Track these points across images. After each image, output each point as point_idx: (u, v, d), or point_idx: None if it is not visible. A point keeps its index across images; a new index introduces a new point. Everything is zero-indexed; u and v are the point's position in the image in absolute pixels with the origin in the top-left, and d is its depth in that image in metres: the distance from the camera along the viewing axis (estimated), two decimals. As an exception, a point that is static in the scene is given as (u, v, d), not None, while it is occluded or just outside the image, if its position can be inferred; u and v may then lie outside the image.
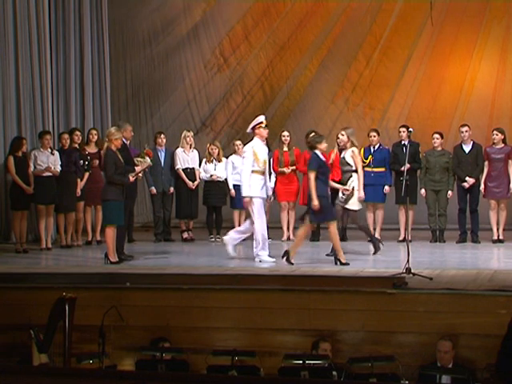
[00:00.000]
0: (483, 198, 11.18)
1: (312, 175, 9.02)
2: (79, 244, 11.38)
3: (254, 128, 9.69)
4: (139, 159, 9.96)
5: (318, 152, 9.17)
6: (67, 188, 11.09)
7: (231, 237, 9.88)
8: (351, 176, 10.00)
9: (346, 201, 9.91)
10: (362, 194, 10.08)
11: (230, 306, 7.59)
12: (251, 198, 9.52)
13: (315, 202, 8.94)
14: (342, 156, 10.19)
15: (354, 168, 10.03)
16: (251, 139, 9.85)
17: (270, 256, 9.49)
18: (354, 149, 10.11)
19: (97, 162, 11.30)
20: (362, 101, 14.12)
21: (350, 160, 10.03)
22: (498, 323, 6.89)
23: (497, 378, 6.00)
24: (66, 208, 11.15)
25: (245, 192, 9.59)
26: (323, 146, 9.29)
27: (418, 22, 13.79)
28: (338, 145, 11.51)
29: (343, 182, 10.04)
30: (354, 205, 9.96)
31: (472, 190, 11.12)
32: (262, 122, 9.67)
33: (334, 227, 9.14)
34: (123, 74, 14.76)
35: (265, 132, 9.70)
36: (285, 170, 11.62)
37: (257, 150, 9.61)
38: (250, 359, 7.02)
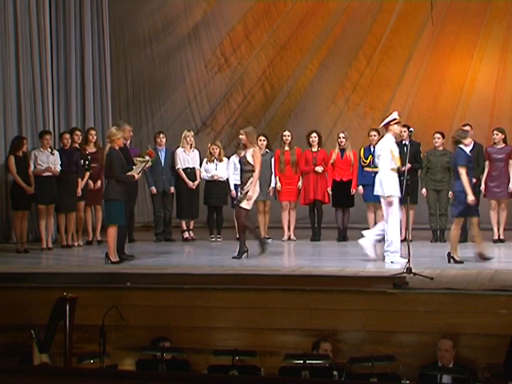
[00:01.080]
0: (484, 197, 11.17)
1: (463, 170, 9.02)
2: (80, 244, 11.38)
3: (387, 124, 9.47)
4: (138, 159, 9.95)
5: (463, 147, 9.19)
6: (68, 188, 11.09)
7: (369, 238, 9.46)
8: (251, 176, 9.81)
9: (242, 199, 9.80)
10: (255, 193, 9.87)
11: (230, 306, 7.60)
12: (391, 196, 9.32)
13: (471, 197, 8.98)
14: (242, 155, 10.08)
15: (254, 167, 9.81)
16: (381, 136, 9.58)
17: (402, 257, 9.11)
18: (256, 148, 9.92)
19: (97, 184, 11.34)
20: (362, 100, 14.11)
21: (250, 159, 9.82)
22: (498, 323, 6.91)
23: (505, 377, 6.00)
24: (67, 208, 11.15)
25: (387, 192, 9.28)
26: (468, 141, 9.36)
27: (419, 21, 13.79)
28: (339, 145, 11.58)
29: (243, 182, 9.94)
30: (244, 203, 9.75)
31: (473, 189, 11.09)
32: (396, 119, 9.45)
33: (476, 223, 9.25)
34: (124, 74, 14.76)
35: (398, 129, 9.55)
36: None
37: (393, 147, 9.47)
38: (251, 359, 7.02)
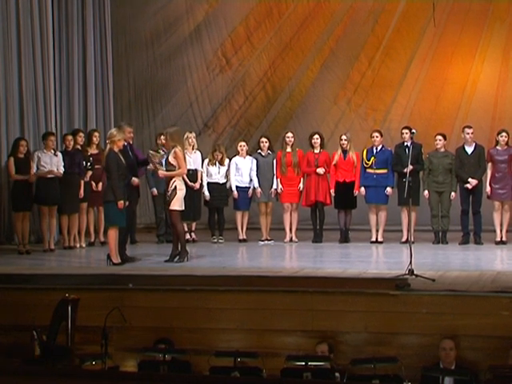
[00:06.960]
0: (487, 199, 11.17)
1: None
2: (82, 245, 11.38)
3: None
4: (152, 153, 9.98)
5: None
6: (70, 189, 11.09)
7: None
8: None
9: (169, 202, 9.64)
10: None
11: (232, 307, 7.60)
12: None
13: None
14: (166, 157, 9.93)
15: (177, 168, 9.68)
16: None
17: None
18: (177, 149, 9.70)
19: (99, 185, 11.32)
20: (364, 102, 14.10)
21: (172, 160, 9.67)
22: (500, 325, 6.90)
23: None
24: (69, 209, 11.16)
25: None
26: None
27: (421, 22, 13.78)
28: (342, 146, 11.57)
29: (166, 182, 9.83)
30: (175, 205, 9.62)
31: (475, 191, 11.10)
32: None
33: None
34: (126, 76, 14.78)
35: None
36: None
37: None
38: (253, 360, 7.02)
